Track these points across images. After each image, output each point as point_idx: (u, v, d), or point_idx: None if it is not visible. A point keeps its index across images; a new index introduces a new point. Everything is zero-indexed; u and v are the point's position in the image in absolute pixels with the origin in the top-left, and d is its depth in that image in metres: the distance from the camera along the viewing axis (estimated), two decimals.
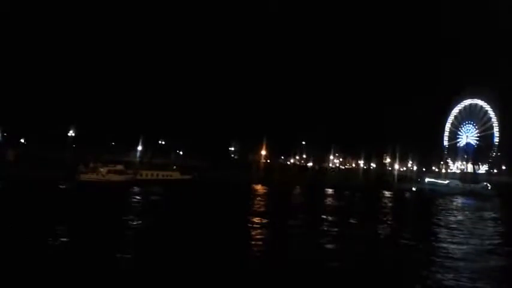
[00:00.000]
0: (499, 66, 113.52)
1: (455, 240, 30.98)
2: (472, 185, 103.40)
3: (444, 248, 27.70)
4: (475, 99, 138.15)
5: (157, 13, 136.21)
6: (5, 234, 23.91)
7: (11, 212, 31.61)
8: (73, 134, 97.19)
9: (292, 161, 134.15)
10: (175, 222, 33.17)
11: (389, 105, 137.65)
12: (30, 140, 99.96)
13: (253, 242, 26.61)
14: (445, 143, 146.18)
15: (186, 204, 45.87)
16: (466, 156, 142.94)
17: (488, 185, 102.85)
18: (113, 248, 22.51)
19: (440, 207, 58.11)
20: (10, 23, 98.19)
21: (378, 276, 20.48)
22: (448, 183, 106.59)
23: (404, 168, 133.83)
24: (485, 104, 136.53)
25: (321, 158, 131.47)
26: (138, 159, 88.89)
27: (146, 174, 71.07)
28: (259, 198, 55.96)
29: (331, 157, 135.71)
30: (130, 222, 31.58)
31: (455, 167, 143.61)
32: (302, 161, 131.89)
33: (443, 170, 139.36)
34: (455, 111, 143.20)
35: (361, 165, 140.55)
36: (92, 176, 63.77)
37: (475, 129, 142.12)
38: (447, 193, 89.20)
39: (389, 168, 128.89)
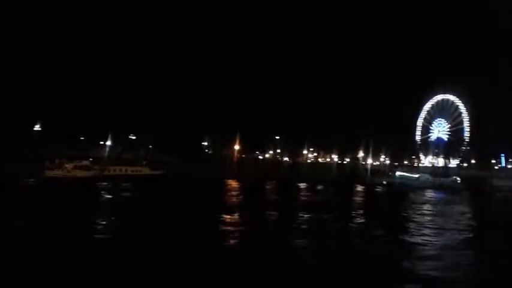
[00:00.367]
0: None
1: (425, 232, 31.01)
2: (442, 179, 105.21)
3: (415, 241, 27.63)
4: (447, 95, 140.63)
5: (132, 6, 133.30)
6: None
7: None
8: (39, 129, 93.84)
9: (266, 155, 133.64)
10: (139, 219, 31.77)
11: (367, 101, 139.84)
12: None
13: (224, 240, 25.39)
14: (417, 137, 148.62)
15: (154, 200, 44.63)
16: (437, 151, 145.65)
17: (458, 178, 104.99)
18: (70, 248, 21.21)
19: (410, 202, 58.38)
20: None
21: (353, 271, 19.75)
22: (418, 177, 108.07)
23: (378, 163, 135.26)
24: (457, 99, 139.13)
25: (295, 153, 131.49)
26: (106, 154, 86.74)
27: (114, 170, 69.74)
28: (231, 193, 54.99)
29: (305, 152, 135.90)
30: (90, 219, 29.98)
31: (427, 161, 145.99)
32: (277, 156, 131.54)
33: (416, 164, 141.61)
34: (427, 106, 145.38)
35: (335, 159, 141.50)
36: (57, 172, 62.85)
37: (446, 124, 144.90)
38: (417, 187, 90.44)
39: (363, 163, 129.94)
